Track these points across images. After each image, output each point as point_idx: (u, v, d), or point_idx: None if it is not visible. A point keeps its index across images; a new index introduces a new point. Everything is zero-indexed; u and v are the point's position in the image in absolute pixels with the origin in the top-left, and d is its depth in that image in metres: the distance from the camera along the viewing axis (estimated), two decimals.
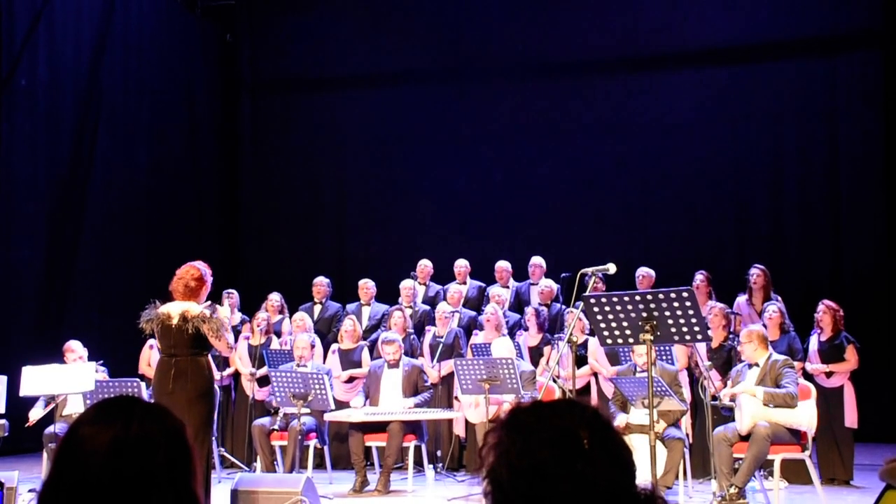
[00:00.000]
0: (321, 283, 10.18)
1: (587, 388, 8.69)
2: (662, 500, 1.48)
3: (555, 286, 9.56)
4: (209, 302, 6.02)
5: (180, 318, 5.80)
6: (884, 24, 10.98)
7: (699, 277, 9.16)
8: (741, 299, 9.05)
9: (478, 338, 8.98)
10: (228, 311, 6.10)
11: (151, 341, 8.78)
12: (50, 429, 7.79)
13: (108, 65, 11.26)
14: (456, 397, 8.57)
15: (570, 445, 1.42)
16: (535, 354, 8.82)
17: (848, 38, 11.23)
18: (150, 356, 9.14)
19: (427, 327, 9.52)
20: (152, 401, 2.42)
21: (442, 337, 9.08)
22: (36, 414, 8.06)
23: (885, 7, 11.02)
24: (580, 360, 8.38)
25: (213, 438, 8.53)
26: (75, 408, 8.06)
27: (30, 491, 6.86)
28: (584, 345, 8.61)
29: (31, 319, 10.28)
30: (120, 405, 1.62)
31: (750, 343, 6.90)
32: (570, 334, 6.18)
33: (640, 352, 7.34)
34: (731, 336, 8.18)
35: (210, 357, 6.05)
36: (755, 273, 8.95)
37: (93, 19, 11.13)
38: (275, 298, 9.88)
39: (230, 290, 10.10)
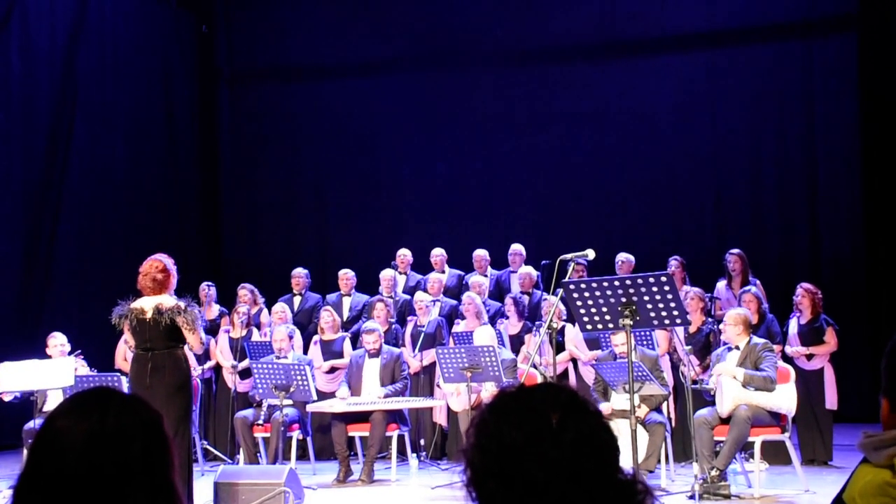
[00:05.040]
0: (300, 275, 10.15)
1: (565, 374, 8.73)
2: (643, 485, 1.47)
3: (534, 273, 9.58)
4: (187, 297, 5.99)
5: (154, 312, 5.76)
6: (859, 7, 11.03)
7: (673, 263, 9.20)
8: (721, 284, 9.11)
9: (459, 326, 8.98)
10: (197, 311, 6.04)
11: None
12: (29, 424, 7.74)
13: (83, 55, 11.14)
14: (438, 385, 8.58)
15: (538, 427, 1.42)
16: (517, 342, 8.84)
17: (824, 21, 11.28)
18: (125, 351, 9.06)
19: (409, 317, 9.52)
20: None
21: (423, 326, 9.07)
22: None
23: None
24: (558, 347, 8.41)
25: (196, 432, 8.51)
26: (56, 404, 8.00)
27: (9, 488, 6.82)
28: (562, 331, 8.64)
29: (8, 315, 10.18)
30: (96, 397, 1.61)
31: (735, 326, 6.95)
32: (551, 321, 6.20)
33: (617, 341, 7.37)
34: (708, 320, 8.24)
35: (186, 350, 6.01)
36: (732, 259, 9.01)
37: (67, 9, 11.00)
38: (244, 292, 9.79)
39: (209, 283, 10.05)
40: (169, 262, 5.94)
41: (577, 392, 1.51)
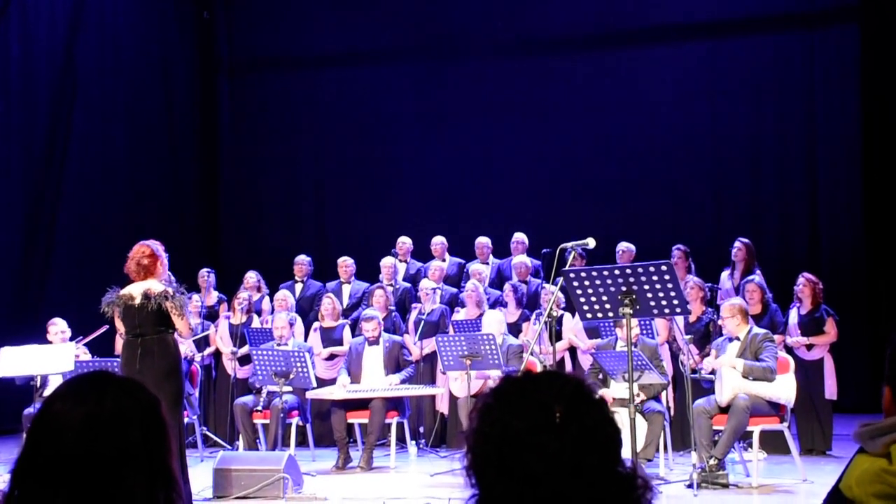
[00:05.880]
0: (302, 262, 10.15)
1: (562, 362, 8.73)
2: (643, 479, 1.46)
3: (530, 262, 9.59)
4: (176, 282, 5.97)
5: (143, 297, 5.75)
6: None
7: (676, 253, 9.19)
8: (725, 274, 9.10)
9: (459, 314, 8.99)
10: (186, 297, 6.01)
11: None
12: (29, 409, 7.75)
13: (82, 42, 11.11)
14: (442, 372, 8.58)
15: (541, 418, 1.42)
16: (514, 330, 8.84)
17: (825, 12, 11.24)
18: None
19: (413, 304, 9.52)
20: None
21: (424, 314, 9.07)
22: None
23: None
24: (556, 336, 8.42)
25: (196, 417, 8.54)
26: None
27: (7, 472, 6.84)
28: (560, 320, 8.64)
29: (8, 301, 10.19)
30: (93, 381, 1.61)
31: (732, 318, 6.95)
32: (551, 310, 6.20)
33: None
34: (707, 310, 8.24)
35: (177, 335, 6.00)
36: (737, 247, 8.99)
37: None
38: (251, 277, 9.83)
39: (209, 269, 10.05)
40: (158, 248, 5.92)
41: (582, 382, 1.50)
